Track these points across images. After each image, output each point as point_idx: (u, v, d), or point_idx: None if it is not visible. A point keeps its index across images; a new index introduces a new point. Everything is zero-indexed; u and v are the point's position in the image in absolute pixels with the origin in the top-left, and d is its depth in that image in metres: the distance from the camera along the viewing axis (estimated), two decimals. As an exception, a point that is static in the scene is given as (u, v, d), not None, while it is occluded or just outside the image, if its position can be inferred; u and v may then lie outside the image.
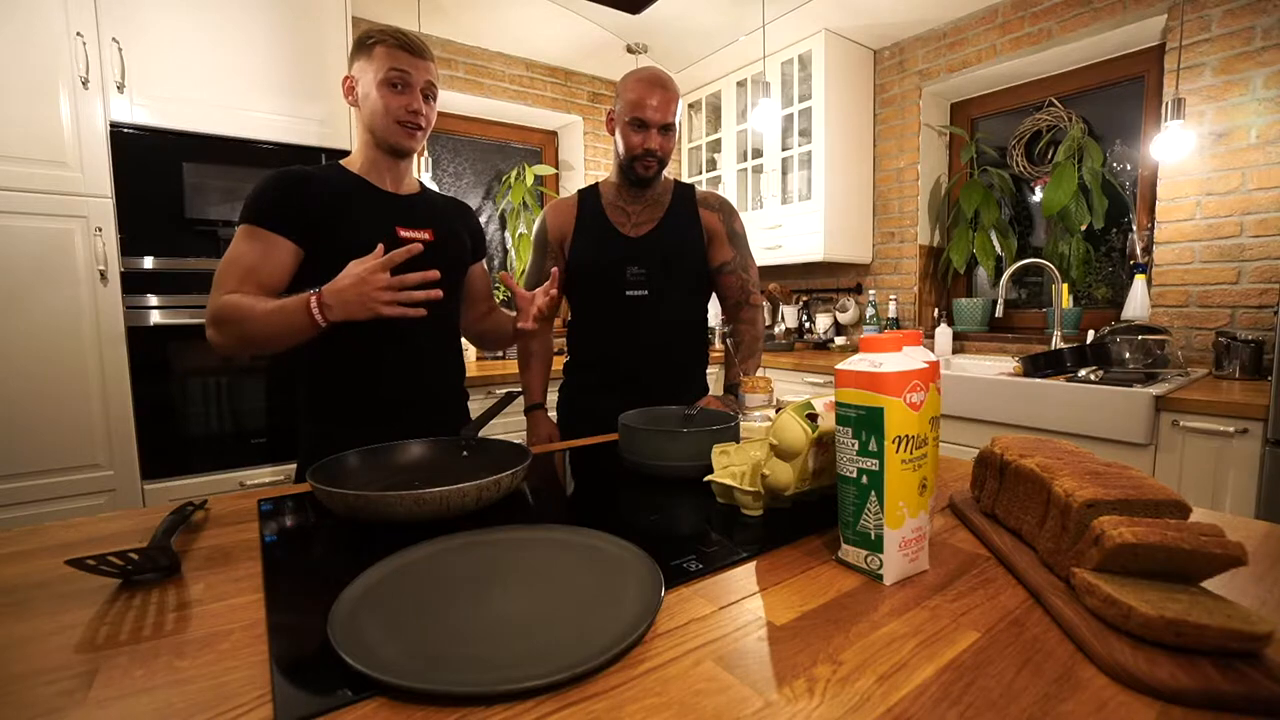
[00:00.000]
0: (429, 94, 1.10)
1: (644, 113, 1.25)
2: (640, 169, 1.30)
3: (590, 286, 1.37)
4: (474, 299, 1.30)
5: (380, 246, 0.93)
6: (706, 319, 1.49)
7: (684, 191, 1.40)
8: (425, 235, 1.13)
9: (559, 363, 1.58)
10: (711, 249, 1.39)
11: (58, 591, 0.56)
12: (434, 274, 0.95)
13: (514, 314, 1.25)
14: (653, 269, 1.33)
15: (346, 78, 1.10)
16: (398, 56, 1.06)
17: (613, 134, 1.34)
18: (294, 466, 1.29)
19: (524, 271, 1.59)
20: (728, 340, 1.44)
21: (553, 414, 1.48)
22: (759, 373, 1.33)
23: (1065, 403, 1.75)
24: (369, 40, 1.08)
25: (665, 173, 1.39)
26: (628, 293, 1.33)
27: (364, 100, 1.08)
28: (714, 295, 1.48)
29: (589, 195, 1.40)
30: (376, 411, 1.10)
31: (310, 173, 1.07)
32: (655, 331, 1.36)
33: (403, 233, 1.10)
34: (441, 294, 0.98)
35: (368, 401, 1.09)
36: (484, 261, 1.31)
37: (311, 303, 0.92)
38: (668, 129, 1.28)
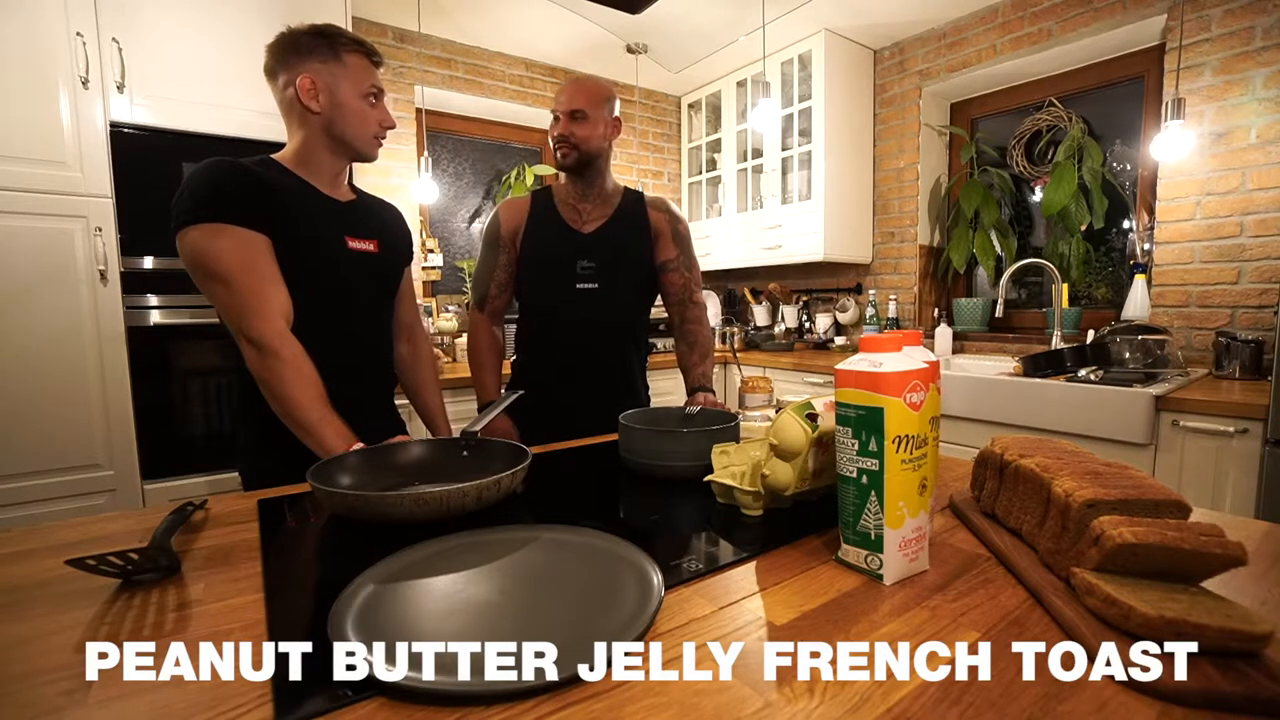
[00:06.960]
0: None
1: (554, 104, 1.35)
2: (559, 156, 1.35)
3: (542, 279, 1.41)
4: (399, 296, 1.27)
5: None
6: (649, 318, 1.54)
7: (634, 195, 1.47)
8: (370, 247, 1.13)
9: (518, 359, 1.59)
10: (657, 246, 1.44)
11: (58, 591, 0.56)
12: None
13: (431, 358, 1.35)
14: (602, 263, 1.37)
15: (304, 77, 1.02)
16: (374, 74, 1.08)
17: None
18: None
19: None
20: (678, 344, 1.47)
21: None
22: (760, 372, 1.33)
23: (1065, 403, 1.75)
24: (333, 43, 1.04)
25: (625, 184, 1.46)
26: (578, 285, 1.37)
27: (336, 108, 1.04)
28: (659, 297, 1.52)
29: (542, 194, 1.45)
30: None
31: (256, 171, 1.00)
32: (604, 324, 1.40)
33: (351, 244, 1.10)
34: None
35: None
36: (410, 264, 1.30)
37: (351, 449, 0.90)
38: (576, 115, 1.32)
